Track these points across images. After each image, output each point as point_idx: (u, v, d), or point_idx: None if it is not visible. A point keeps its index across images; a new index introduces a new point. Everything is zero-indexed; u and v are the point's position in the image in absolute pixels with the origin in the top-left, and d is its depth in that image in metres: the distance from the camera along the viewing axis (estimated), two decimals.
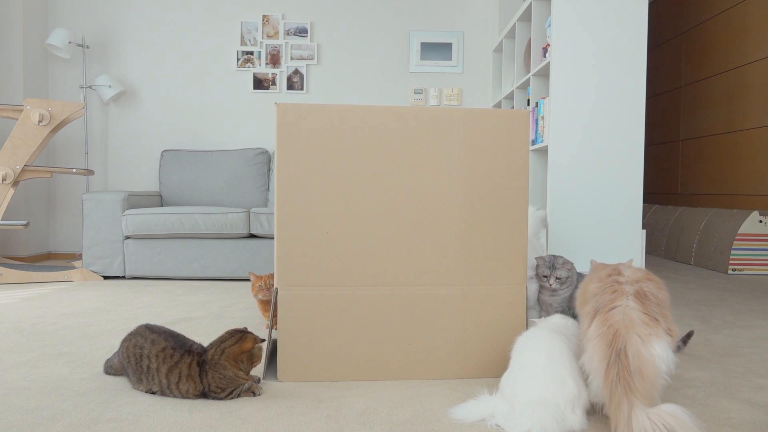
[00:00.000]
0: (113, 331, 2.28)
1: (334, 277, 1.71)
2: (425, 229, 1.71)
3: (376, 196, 1.70)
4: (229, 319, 2.51)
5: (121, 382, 1.66)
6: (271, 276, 2.25)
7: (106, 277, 3.66)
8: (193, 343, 1.60)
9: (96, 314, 2.60)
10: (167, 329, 1.63)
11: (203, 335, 2.22)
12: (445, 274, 1.72)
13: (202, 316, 2.56)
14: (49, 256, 4.63)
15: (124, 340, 1.62)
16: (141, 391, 1.57)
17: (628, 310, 1.34)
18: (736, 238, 3.96)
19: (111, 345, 2.07)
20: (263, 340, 1.59)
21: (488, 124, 1.72)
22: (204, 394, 1.52)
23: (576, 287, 1.97)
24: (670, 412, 1.21)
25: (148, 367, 1.54)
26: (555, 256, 1.99)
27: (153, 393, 1.56)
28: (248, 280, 3.63)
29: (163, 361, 1.53)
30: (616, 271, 1.47)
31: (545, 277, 1.96)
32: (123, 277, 3.69)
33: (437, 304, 1.72)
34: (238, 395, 1.54)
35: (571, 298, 1.98)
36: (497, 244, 1.74)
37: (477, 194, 1.72)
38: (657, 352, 1.29)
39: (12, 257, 4.29)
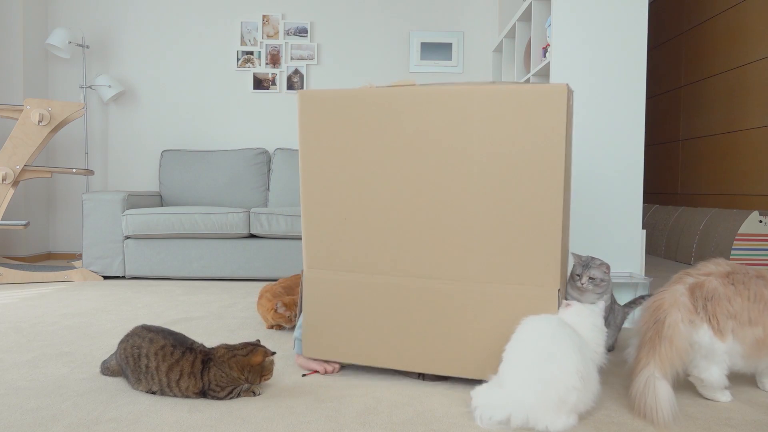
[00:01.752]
0: (113, 331, 2.28)
1: (351, 263, 1.69)
2: (445, 219, 1.59)
3: (395, 183, 1.63)
4: (229, 319, 2.51)
5: (120, 382, 1.66)
6: (290, 306, 2.23)
7: (106, 277, 3.66)
8: (194, 341, 1.60)
9: (96, 314, 2.60)
10: (165, 328, 1.63)
11: (203, 335, 2.22)
12: (463, 268, 1.59)
13: (202, 316, 2.56)
14: (49, 256, 4.63)
15: (122, 342, 1.62)
16: (141, 391, 1.57)
17: (677, 294, 1.50)
18: (736, 238, 3.95)
19: (111, 345, 2.07)
20: (274, 353, 1.58)
21: (517, 102, 1.50)
22: (203, 392, 1.52)
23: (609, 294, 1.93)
24: (664, 396, 1.38)
25: (147, 366, 1.54)
26: (592, 258, 1.94)
27: (152, 393, 1.56)
28: (249, 280, 3.63)
29: (162, 359, 1.53)
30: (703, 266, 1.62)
31: (578, 275, 1.84)
32: (123, 277, 3.69)
33: (454, 299, 1.60)
34: (238, 395, 1.54)
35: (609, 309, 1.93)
36: (526, 240, 1.53)
37: (504, 183, 1.53)
38: (692, 333, 1.45)
39: (12, 257, 4.29)
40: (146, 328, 1.62)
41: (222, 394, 1.52)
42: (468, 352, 1.60)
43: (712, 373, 1.48)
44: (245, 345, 1.58)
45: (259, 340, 1.62)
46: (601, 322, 1.54)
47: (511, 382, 1.35)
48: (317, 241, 1.72)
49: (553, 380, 1.31)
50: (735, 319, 1.47)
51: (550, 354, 1.33)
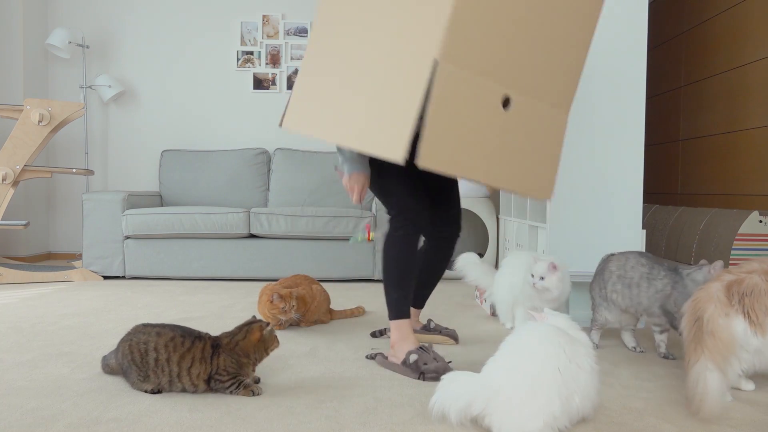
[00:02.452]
0: (113, 331, 2.28)
1: (489, 65, 1.48)
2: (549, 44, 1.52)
3: None
4: (229, 319, 2.51)
5: (121, 382, 1.66)
6: (289, 302, 2.23)
7: (106, 277, 3.66)
8: (199, 331, 1.63)
9: (96, 314, 2.60)
10: (167, 323, 1.64)
11: None
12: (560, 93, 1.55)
13: (202, 316, 2.56)
14: (49, 256, 4.63)
15: (123, 341, 1.62)
16: (145, 391, 1.57)
17: (712, 290, 1.55)
18: (736, 238, 3.96)
19: (111, 345, 2.07)
20: (268, 324, 1.62)
21: None
22: (209, 378, 1.54)
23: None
24: (713, 387, 1.42)
25: (157, 360, 1.55)
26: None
27: (157, 392, 1.56)
28: (249, 280, 3.63)
29: (174, 350, 1.55)
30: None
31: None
32: (123, 277, 3.69)
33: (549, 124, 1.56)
34: (238, 387, 1.55)
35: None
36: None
37: None
38: (732, 324, 1.49)
39: (12, 257, 4.29)
40: (148, 325, 1.62)
41: (227, 383, 1.54)
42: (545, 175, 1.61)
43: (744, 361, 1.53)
44: (240, 328, 1.61)
45: (254, 316, 1.64)
46: (573, 322, 1.52)
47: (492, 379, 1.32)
48: (469, 26, 1.41)
49: (524, 368, 1.27)
50: None
51: (532, 352, 1.30)
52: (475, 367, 1.82)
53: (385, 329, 2.23)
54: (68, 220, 4.62)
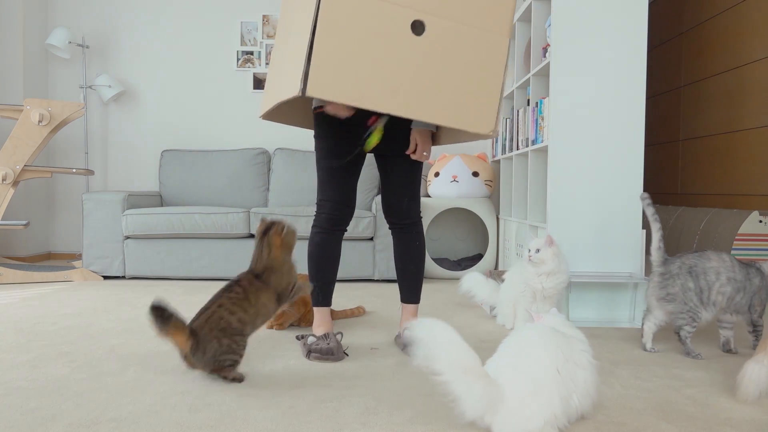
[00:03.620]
0: (113, 331, 2.28)
1: None
2: None
3: None
4: None
5: (121, 382, 1.66)
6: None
7: (106, 277, 3.66)
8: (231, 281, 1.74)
9: (96, 314, 2.60)
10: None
11: None
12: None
13: None
14: (49, 256, 4.63)
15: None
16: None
17: None
18: (736, 238, 3.96)
19: (111, 345, 2.07)
20: (273, 223, 1.77)
21: None
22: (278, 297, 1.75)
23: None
24: (754, 377, 1.50)
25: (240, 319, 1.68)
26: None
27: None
28: None
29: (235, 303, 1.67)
30: None
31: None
32: (123, 277, 3.69)
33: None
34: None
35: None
36: None
37: None
38: None
39: (12, 257, 4.29)
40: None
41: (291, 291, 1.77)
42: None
43: None
44: (257, 255, 1.75)
45: (265, 218, 1.80)
46: (569, 322, 1.52)
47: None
48: None
49: (528, 371, 1.27)
50: None
51: (532, 354, 1.30)
52: None
53: (303, 335, 2.11)
54: (68, 220, 4.62)
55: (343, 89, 1.41)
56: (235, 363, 1.64)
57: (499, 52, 1.54)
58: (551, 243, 2.20)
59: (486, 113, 1.54)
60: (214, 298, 1.68)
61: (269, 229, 1.75)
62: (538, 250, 2.20)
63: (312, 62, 1.36)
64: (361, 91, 1.42)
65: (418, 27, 1.46)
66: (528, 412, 1.24)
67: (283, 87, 1.54)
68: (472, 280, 2.61)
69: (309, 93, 1.37)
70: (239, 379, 1.65)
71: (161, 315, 1.55)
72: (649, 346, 2.08)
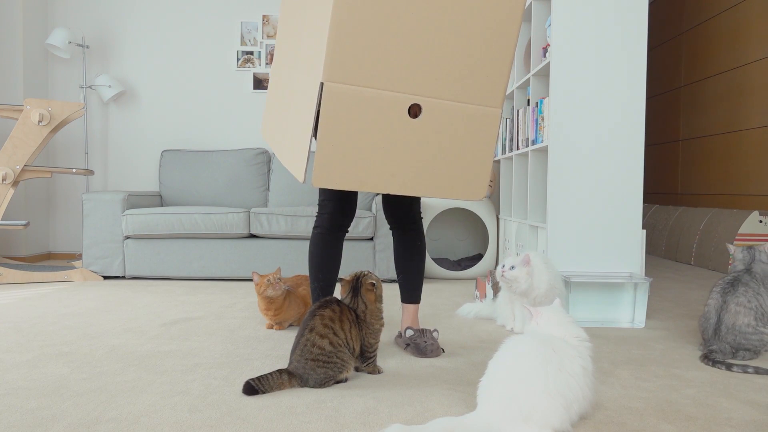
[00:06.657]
0: (113, 331, 2.28)
1: (380, 78, 1.47)
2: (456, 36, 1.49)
3: None
4: (229, 319, 2.51)
5: (121, 382, 1.66)
6: (276, 273, 2.26)
7: (106, 277, 3.66)
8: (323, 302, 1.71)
9: (96, 314, 2.60)
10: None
11: (203, 335, 2.22)
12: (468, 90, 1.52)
13: (202, 316, 2.56)
14: (49, 256, 4.63)
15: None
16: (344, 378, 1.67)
17: None
18: (736, 238, 3.96)
19: (111, 345, 2.07)
20: (362, 274, 1.75)
21: None
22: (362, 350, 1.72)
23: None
24: None
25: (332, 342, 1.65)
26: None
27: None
28: (249, 280, 3.63)
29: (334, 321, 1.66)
30: None
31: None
32: (123, 277, 3.69)
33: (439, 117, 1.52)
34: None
35: None
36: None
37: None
38: None
39: (12, 257, 4.29)
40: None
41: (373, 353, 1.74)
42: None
43: None
44: (351, 296, 1.72)
45: (344, 278, 1.77)
46: (568, 316, 1.51)
47: (480, 397, 1.33)
48: (350, 45, 1.42)
49: (516, 397, 1.27)
50: None
51: (519, 375, 1.30)
52: (477, 367, 1.83)
53: None
54: (68, 220, 4.62)
55: (346, 178, 1.49)
56: (339, 381, 1.66)
57: (492, 124, 1.60)
58: (527, 263, 2.15)
59: (478, 182, 1.62)
60: (304, 322, 1.65)
61: (358, 283, 1.72)
62: (513, 267, 2.17)
63: (316, 158, 1.43)
64: (363, 178, 1.50)
65: (414, 109, 1.51)
66: None
67: (287, 148, 1.60)
68: (469, 307, 2.64)
69: (314, 185, 1.45)
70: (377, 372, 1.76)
71: (257, 392, 1.56)
72: None
